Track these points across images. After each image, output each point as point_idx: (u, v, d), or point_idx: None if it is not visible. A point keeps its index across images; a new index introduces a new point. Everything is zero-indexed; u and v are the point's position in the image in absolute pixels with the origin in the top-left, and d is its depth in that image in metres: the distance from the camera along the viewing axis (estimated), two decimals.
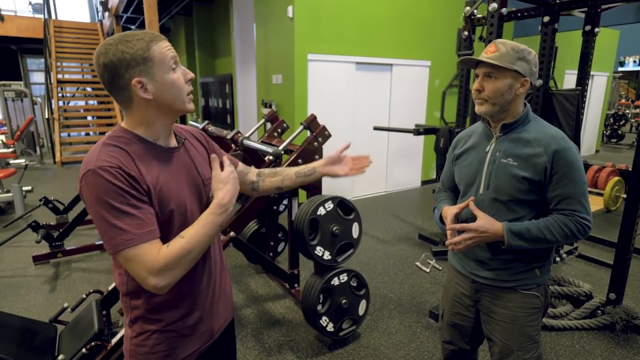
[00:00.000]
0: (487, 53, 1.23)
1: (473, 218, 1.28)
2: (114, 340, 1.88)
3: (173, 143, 1.02)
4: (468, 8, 3.18)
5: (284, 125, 2.89)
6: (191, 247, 0.90)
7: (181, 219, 0.97)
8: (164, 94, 0.92)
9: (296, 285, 2.83)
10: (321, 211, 2.12)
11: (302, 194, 2.59)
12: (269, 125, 2.91)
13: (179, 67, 0.95)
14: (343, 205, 2.22)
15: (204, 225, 0.92)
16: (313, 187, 2.36)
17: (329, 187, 4.99)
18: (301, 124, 2.35)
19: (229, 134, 2.58)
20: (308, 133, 2.36)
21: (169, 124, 0.99)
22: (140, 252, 0.86)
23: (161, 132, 0.97)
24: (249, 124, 6.63)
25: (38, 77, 12.42)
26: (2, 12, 9.85)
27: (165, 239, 0.93)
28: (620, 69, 13.47)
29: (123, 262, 0.87)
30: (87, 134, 10.17)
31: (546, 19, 2.78)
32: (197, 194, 1.04)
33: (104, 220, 0.85)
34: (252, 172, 1.30)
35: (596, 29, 2.98)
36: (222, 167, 1.03)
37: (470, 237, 1.23)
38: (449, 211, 1.32)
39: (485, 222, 1.22)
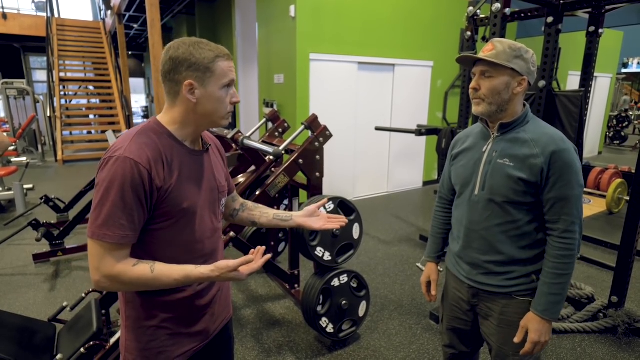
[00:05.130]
0: (484, 52, 1.21)
1: (468, 219, 1.32)
2: (113, 340, 1.87)
3: (199, 147, 1.07)
4: (471, 8, 3.16)
5: (285, 125, 2.88)
6: (150, 285, 0.94)
7: (190, 219, 1.01)
8: (207, 104, 0.98)
9: (296, 285, 2.82)
10: (321, 211, 2.10)
11: (303, 194, 2.58)
12: (270, 124, 2.89)
13: (232, 88, 1.02)
14: (344, 206, 2.21)
15: (184, 276, 0.94)
16: (313, 188, 2.35)
17: (330, 187, 4.98)
18: (302, 123, 2.34)
19: (229, 134, 2.57)
20: (309, 133, 2.35)
21: (201, 130, 1.05)
22: (105, 250, 0.90)
23: (191, 135, 1.03)
24: (250, 124, 6.63)
25: (40, 75, 12.46)
26: (5, 11, 9.87)
27: (175, 237, 0.99)
28: (623, 70, 13.41)
29: (89, 246, 0.92)
30: (89, 132, 10.18)
31: (550, 19, 2.76)
32: (211, 198, 1.08)
33: (100, 204, 0.90)
34: (237, 201, 1.34)
35: (600, 30, 2.96)
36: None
37: (540, 345, 1.23)
38: (428, 278, 1.54)
39: (535, 328, 1.21)
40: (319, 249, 2.12)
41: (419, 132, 3.82)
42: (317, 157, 2.32)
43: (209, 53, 0.95)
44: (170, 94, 0.98)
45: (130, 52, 14.95)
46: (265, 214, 1.33)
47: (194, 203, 1.01)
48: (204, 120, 1.01)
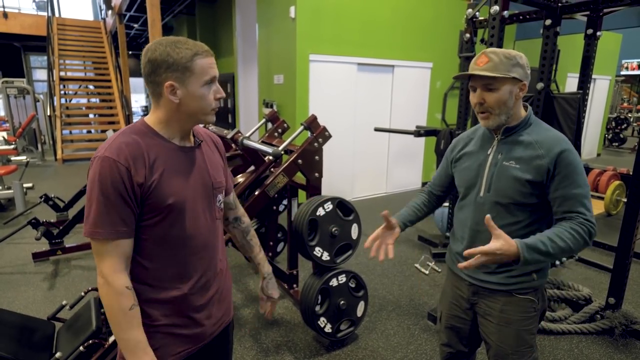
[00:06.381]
0: (478, 64, 1.21)
1: (474, 220, 1.31)
2: (112, 339, 1.87)
3: (189, 143, 1.07)
4: (470, 10, 3.17)
5: (285, 125, 2.89)
6: (116, 316, 0.95)
7: (178, 215, 1.01)
8: (190, 103, 0.98)
9: (295, 285, 2.83)
10: (320, 212, 2.11)
11: (302, 194, 2.59)
12: (269, 125, 2.90)
13: (215, 84, 1.02)
14: (342, 206, 2.22)
15: (124, 342, 0.96)
16: (312, 188, 2.36)
17: (329, 187, 4.99)
18: (302, 124, 2.35)
19: (229, 134, 2.58)
20: (309, 133, 2.36)
21: (188, 128, 1.05)
22: (100, 247, 0.94)
23: (178, 133, 1.04)
24: (250, 124, 6.64)
25: (41, 75, 12.46)
26: (6, 10, 9.88)
27: (165, 233, 1.00)
28: (622, 72, 13.44)
29: (92, 247, 0.97)
30: (89, 132, 10.18)
31: (548, 22, 2.78)
32: (204, 194, 1.08)
33: (88, 203, 0.94)
34: (233, 211, 1.31)
35: (598, 33, 2.98)
36: None
37: (485, 260, 1.12)
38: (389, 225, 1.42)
39: (503, 244, 1.10)
40: (317, 249, 2.13)
41: (417, 133, 3.83)
42: (316, 157, 2.33)
43: (186, 52, 0.95)
44: (154, 95, 0.99)
45: (130, 52, 14.92)
46: (250, 249, 1.35)
47: (182, 199, 1.00)
48: (189, 119, 1.02)
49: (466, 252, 1.15)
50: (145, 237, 0.99)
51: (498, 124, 1.25)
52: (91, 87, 10.13)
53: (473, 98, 1.25)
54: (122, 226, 0.93)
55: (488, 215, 1.15)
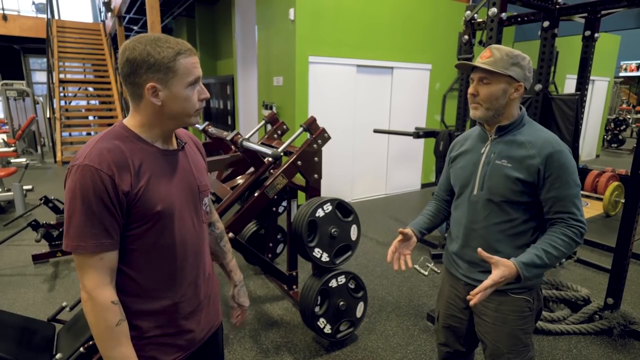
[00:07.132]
0: (482, 58, 1.25)
1: (468, 218, 1.33)
2: None
3: (172, 146, 1.02)
4: (468, 12, 3.19)
5: (284, 127, 2.90)
6: (102, 332, 0.90)
7: (167, 221, 0.96)
8: (173, 105, 0.93)
9: (294, 286, 2.83)
10: (320, 213, 2.12)
11: (302, 195, 2.60)
12: (269, 126, 2.92)
13: (199, 85, 0.96)
14: (342, 208, 2.23)
15: (109, 347, 0.91)
16: (312, 189, 2.36)
17: (328, 189, 5.00)
18: (301, 126, 2.36)
19: (228, 135, 2.59)
20: (308, 135, 2.37)
21: (171, 130, 1.00)
22: (83, 261, 0.89)
23: (160, 136, 0.98)
24: (249, 126, 6.65)
25: (40, 77, 12.47)
26: (6, 12, 9.89)
27: (154, 242, 0.95)
28: (621, 74, 13.48)
29: (75, 261, 0.91)
30: (89, 134, 10.19)
31: (546, 24, 2.79)
32: (191, 198, 1.04)
33: (69, 215, 0.87)
34: (213, 216, 1.27)
35: (596, 34, 2.99)
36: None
37: (494, 289, 1.17)
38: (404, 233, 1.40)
39: (504, 270, 1.15)
40: (317, 250, 2.14)
41: (417, 134, 3.84)
42: (316, 158, 2.34)
43: (168, 51, 0.88)
44: (134, 97, 0.93)
45: None
46: (222, 256, 1.30)
47: (170, 204, 0.95)
48: (172, 121, 0.96)
49: (473, 301, 1.15)
50: (133, 247, 0.94)
51: (485, 117, 1.27)
52: (91, 89, 10.14)
53: (470, 89, 1.28)
54: (107, 238, 0.88)
55: (480, 249, 1.18)
